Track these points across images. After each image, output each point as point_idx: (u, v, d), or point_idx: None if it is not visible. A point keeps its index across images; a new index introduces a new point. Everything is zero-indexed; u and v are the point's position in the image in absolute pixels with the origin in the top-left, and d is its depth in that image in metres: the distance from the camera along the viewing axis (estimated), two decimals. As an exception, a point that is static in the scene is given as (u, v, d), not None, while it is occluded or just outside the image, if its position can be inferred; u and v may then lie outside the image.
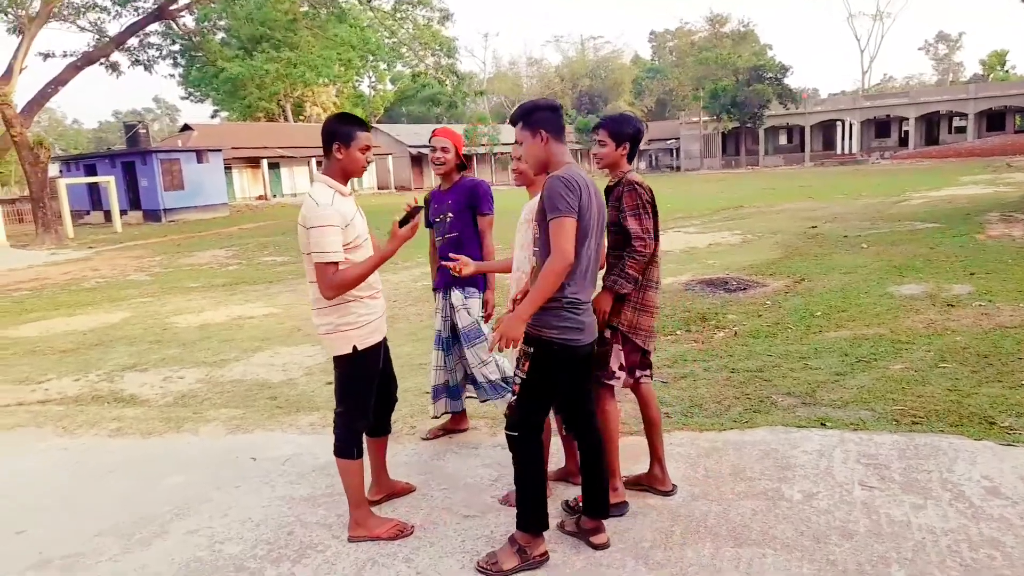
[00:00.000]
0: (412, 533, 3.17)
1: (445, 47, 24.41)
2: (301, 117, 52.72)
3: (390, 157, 48.38)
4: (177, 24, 24.83)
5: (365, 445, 3.26)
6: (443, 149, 4.09)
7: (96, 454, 4.39)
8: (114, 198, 25.99)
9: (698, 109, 53.01)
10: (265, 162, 40.00)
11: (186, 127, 39.95)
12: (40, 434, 4.84)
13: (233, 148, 35.95)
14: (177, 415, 5.05)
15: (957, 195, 19.02)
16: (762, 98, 49.15)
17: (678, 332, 6.70)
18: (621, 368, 3.27)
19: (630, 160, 3.34)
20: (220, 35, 30.85)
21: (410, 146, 48.95)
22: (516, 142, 3.04)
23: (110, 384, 6.02)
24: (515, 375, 2.87)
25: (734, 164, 57.27)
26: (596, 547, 2.93)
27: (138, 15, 23.36)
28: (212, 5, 24.44)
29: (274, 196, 40.93)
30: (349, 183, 3.12)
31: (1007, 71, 61.58)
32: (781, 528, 3.00)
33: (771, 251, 11.27)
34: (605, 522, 2.99)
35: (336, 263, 2.92)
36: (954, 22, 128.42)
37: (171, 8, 23.05)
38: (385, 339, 3.30)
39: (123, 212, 27.74)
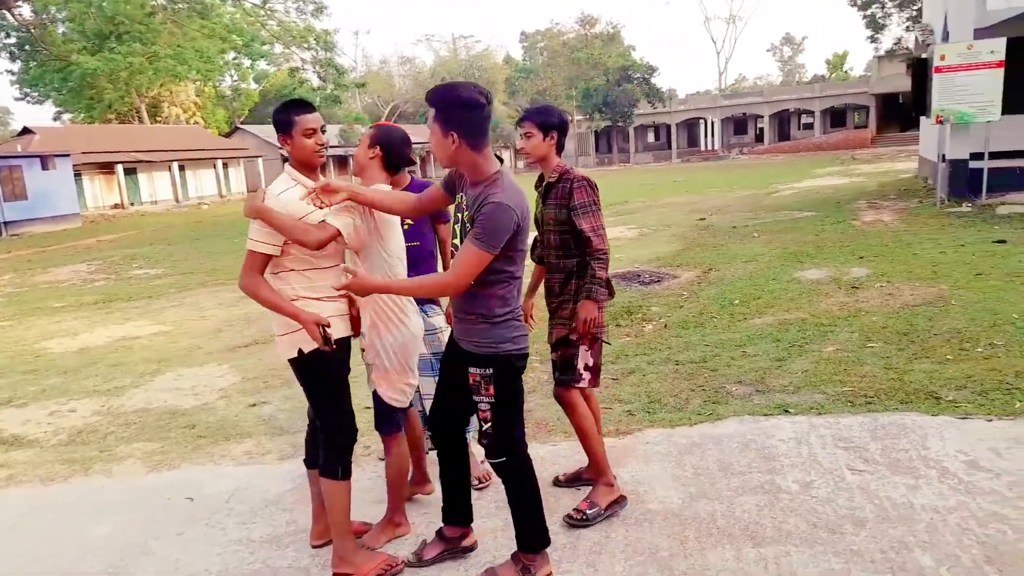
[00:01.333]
0: (402, 570, 2.84)
1: (322, 41, 23.45)
2: (158, 118, 49.19)
3: (260, 160, 46.15)
4: (12, 14, 22.36)
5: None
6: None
7: (-13, 509, 3.71)
8: (-57, 211, 23.09)
9: (571, 108, 54.24)
10: (120, 167, 36.94)
11: (26, 130, 36.13)
12: (-94, 491, 4.04)
13: (83, 153, 32.88)
14: (80, 455, 4.39)
15: (819, 186, 20.42)
16: (632, 97, 51.01)
17: (608, 327, 6.63)
18: (587, 368, 3.20)
19: (559, 152, 3.20)
20: (61, 29, 28.24)
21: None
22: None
23: (-16, 424, 5.18)
24: (479, 404, 2.64)
25: (607, 161, 59.12)
26: (470, 549, 2.90)
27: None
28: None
29: (132, 204, 37.95)
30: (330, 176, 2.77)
31: (846, 71, 67.35)
32: (793, 522, 2.93)
33: (670, 244, 11.54)
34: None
35: (259, 253, 2.67)
36: (798, 26, 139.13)
37: (5, -3, 20.73)
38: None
39: (-47, 227, 24.72)
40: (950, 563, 2.57)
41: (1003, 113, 11.65)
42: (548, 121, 3.13)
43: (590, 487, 3.24)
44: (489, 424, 2.62)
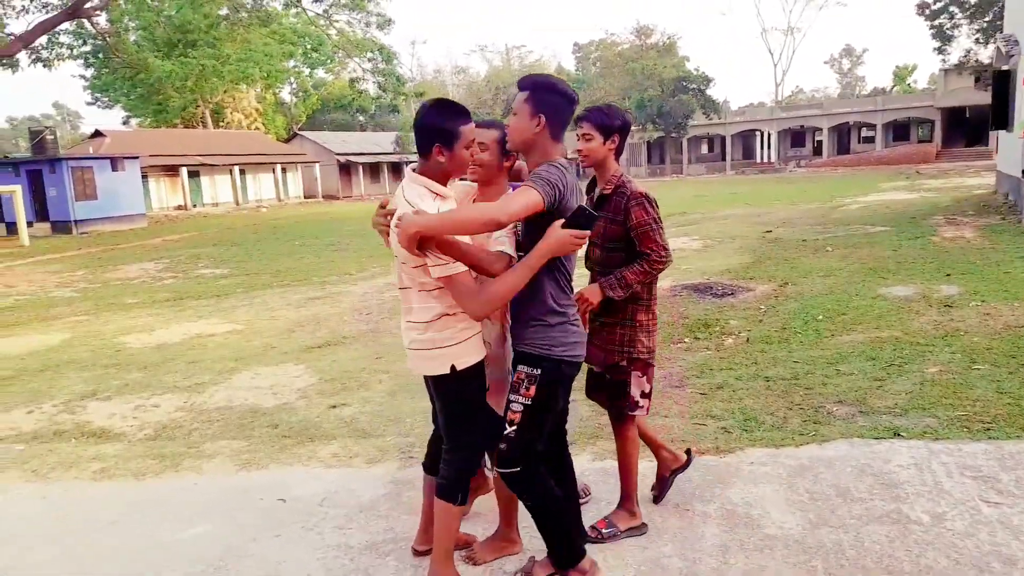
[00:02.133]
0: None
1: (384, 53, 23.79)
2: (221, 124, 50.56)
3: (317, 165, 47.00)
4: (91, 23, 23.22)
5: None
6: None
7: (85, 503, 3.72)
8: (20, 209, 23.99)
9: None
10: (184, 170, 38.06)
11: (97, 133, 37.48)
12: (3, 481, 4.10)
13: (150, 156, 33.93)
14: (169, 451, 4.40)
15: (888, 200, 19.78)
16: (687, 108, 50.42)
17: (686, 340, 6.44)
18: (643, 395, 3.05)
19: (617, 157, 3.01)
20: (133, 37, 29.25)
21: (338, 154, 47.75)
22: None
23: (72, 416, 5.25)
24: (512, 403, 2.53)
25: (659, 172, 58.51)
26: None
27: (46, 12, 21.73)
28: (127, 5, 23.03)
29: (194, 206, 39.03)
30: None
31: (910, 84, 65.48)
32: (932, 556, 2.72)
33: (738, 256, 11.25)
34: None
35: (462, 272, 2.43)
36: (858, 38, 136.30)
37: (86, 6, 21.51)
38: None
39: (28, 224, 25.67)
40: (1123, 611, 2.34)
41: (1099, 127, 11.06)
42: (609, 123, 2.92)
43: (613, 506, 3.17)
44: (515, 428, 2.51)
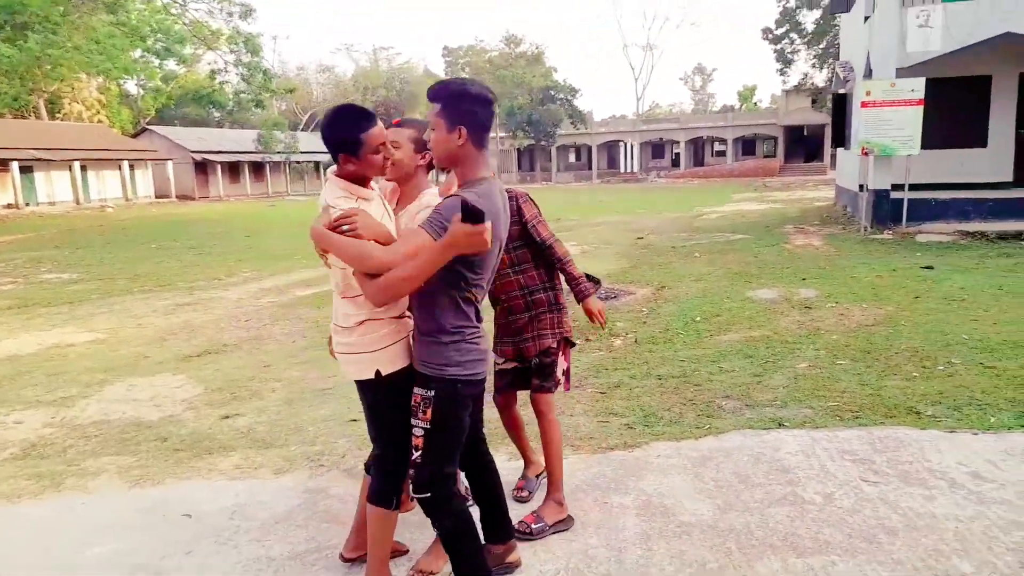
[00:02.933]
0: None
1: (250, 44, 22.69)
2: (57, 115, 46.26)
3: (170, 163, 44.10)
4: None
5: None
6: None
7: (-50, 532, 3.32)
8: None
9: (495, 126, 54.72)
10: (16, 165, 34.55)
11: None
12: None
13: (-26, 147, 30.57)
14: (45, 469, 4.01)
15: (743, 210, 21.32)
16: (555, 118, 51.94)
17: (578, 341, 6.65)
18: (564, 373, 3.35)
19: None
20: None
21: (193, 151, 45.01)
22: (387, 134, 2.60)
23: (-85, 437, 4.66)
24: (414, 428, 2.42)
25: (529, 180, 59.80)
26: (515, 566, 2.81)
27: None
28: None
29: (27, 204, 35.52)
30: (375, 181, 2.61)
31: (756, 103, 70.90)
32: (828, 532, 3.00)
33: (616, 261, 11.73)
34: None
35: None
36: (710, 57, 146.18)
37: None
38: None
39: None
40: (988, 569, 2.69)
41: (921, 148, 12.53)
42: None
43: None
44: (419, 453, 2.40)
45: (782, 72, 44.68)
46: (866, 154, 12.87)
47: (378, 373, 2.50)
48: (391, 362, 2.51)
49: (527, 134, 53.67)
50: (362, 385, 2.57)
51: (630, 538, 3.04)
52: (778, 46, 43.06)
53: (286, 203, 38.22)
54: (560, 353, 3.29)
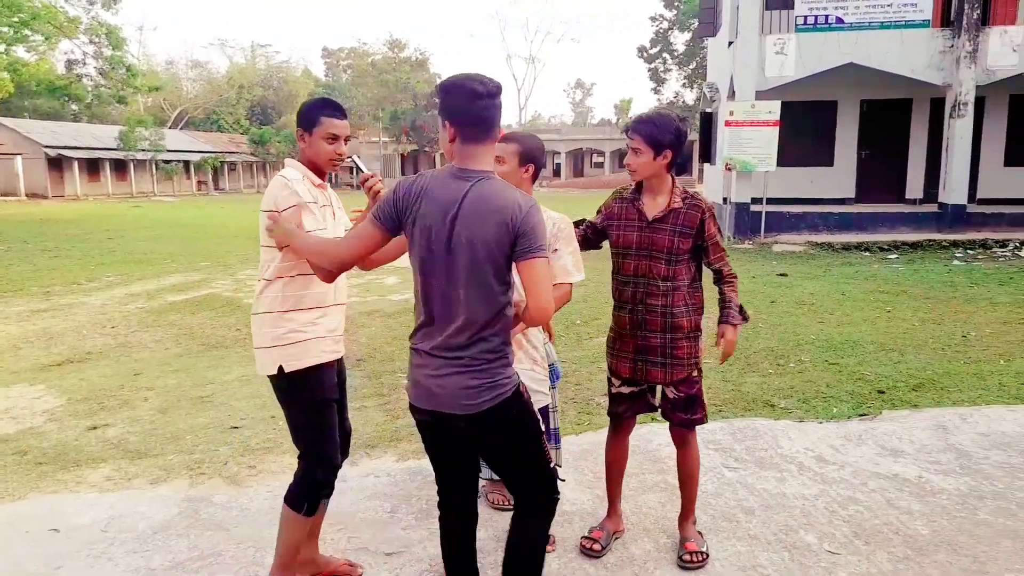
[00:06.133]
0: None
1: (112, 37, 21.28)
2: None
3: (19, 158, 40.42)
4: None
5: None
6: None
7: None
8: None
9: (378, 129, 53.99)
10: None
11: None
12: None
13: None
14: None
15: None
16: (439, 124, 51.89)
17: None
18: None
19: (672, 171, 2.87)
20: None
21: (46, 146, 41.50)
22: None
23: None
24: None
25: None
26: None
27: None
28: None
29: None
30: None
31: (630, 118, 73.86)
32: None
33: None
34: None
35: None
36: (589, 72, 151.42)
37: None
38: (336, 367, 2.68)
39: None
40: (828, 539, 3.04)
41: (777, 165, 13.63)
42: (660, 137, 2.76)
43: None
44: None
45: (655, 90, 47.03)
46: (729, 169, 13.84)
47: (281, 369, 2.49)
48: (297, 359, 2.48)
49: (411, 139, 53.41)
50: (270, 381, 2.56)
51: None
52: (652, 64, 45.30)
53: (152, 204, 36.01)
54: (702, 382, 3.02)
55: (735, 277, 2.95)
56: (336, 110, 2.58)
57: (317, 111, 2.55)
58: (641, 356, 2.92)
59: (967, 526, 3.15)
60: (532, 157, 2.81)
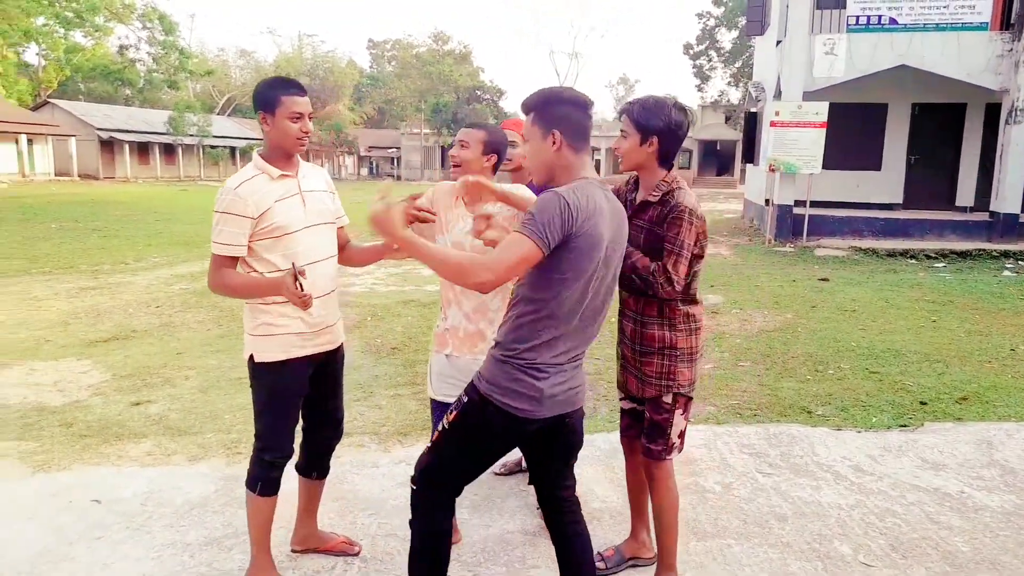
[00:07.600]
0: None
1: (165, 22, 21.75)
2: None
3: (73, 140, 41.61)
4: None
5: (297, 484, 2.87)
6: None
7: None
8: None
9: (419, 121, 54.31)
10: None
11: None
12: None
13: None
14: (-63, 454, 3.81)
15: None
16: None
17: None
18: (680, 436, 2.70)
19: (665, 162, 2.56)
20: None
21: (100, 129, 42.64)
22: (461, 140, 2.74)
23: None
24: (444, 419, 2.22)
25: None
26: None
27: None
28: None
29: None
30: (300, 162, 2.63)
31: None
32: (726, 518, 3.24)
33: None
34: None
35: (224, 256, 2.46)
36: (633, 68, 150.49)
37: None
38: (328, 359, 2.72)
39: None
40: (864, 551, 2.98)
41: (823, 168, 13.36)
42: (645, 122, 2.50)
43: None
44: (432, 443, 2.27)
45: (699, 88, 46.42)
46: (773, 171, 13.60)
47: (251, 358, 2.57)
48: (267, 351, 2.54)
49: (452, 132, 53.60)
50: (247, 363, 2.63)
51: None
52: (697, 62, 44.73)
53: (199, 188, 36.75)
54: (676, 411, 2.65)
55: (665, 277, 2.47)
56: (296, 87, 2.49)
57: (277, 90, 2.46)
58: (622, 364, 2.74)
59: (1011, 545, 3.06)
60: (496, 148, 2.81)
